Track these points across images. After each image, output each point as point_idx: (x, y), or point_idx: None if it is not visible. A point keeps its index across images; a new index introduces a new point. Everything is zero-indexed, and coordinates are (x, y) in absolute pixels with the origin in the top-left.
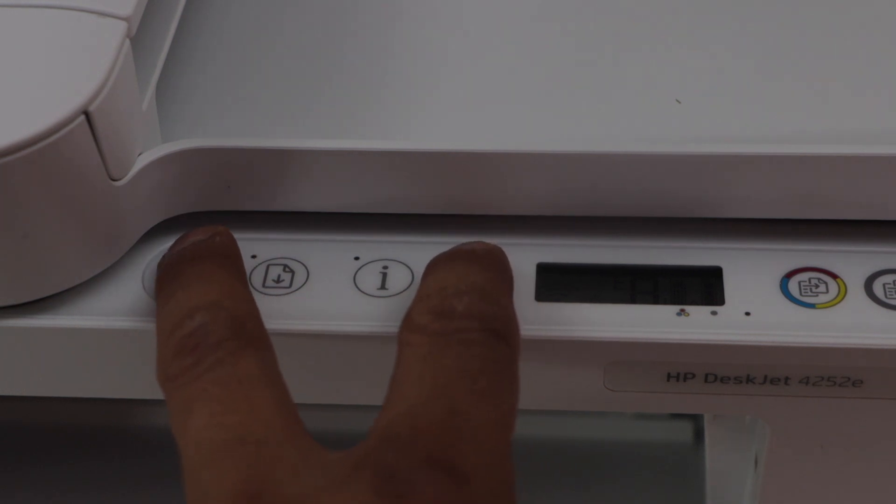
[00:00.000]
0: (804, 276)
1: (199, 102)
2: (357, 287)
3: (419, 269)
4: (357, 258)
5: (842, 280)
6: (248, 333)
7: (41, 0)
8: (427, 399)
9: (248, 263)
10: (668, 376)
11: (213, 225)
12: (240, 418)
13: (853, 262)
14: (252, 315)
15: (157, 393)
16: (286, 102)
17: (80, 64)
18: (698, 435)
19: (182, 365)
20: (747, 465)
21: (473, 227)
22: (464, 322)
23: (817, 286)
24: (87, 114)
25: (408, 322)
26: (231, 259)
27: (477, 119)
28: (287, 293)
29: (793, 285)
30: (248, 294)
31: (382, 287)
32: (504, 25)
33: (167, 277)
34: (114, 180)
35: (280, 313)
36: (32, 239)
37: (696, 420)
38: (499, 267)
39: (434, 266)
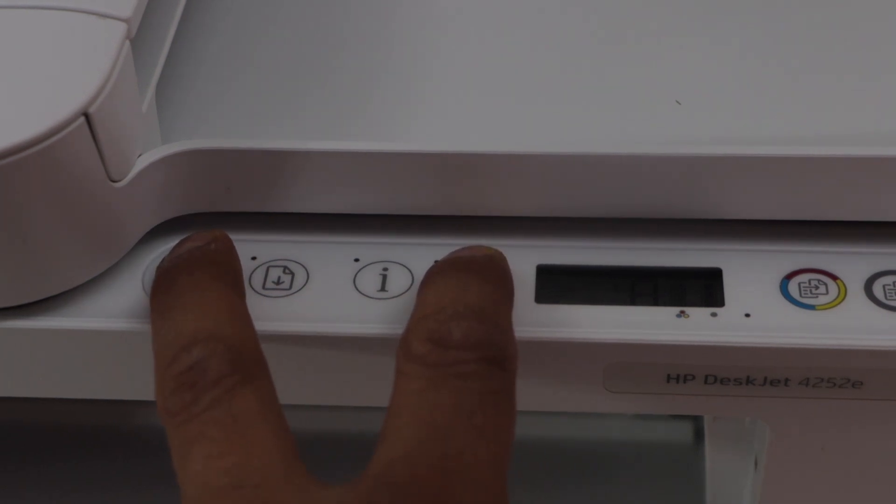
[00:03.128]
0: (804, 278)
1: (199, 103)
2: (357, 289)
3: (419, 271)
4: (357, 260)
5: (842, 281)
6: (246, 364)
7: (41, 1)
8: (423, 440)
9: (248, 265)
10: (668, 378)
11: (210, 230)
12: (237, 461)
13: (853, 263)
14: (248, 340)
15: None
16: (286, 103)
17: (80, 65)
18: (698, 435)
19: (181, 402)
20: (747, 465)
21: (473, 228)
22: (460, 353)
23: (817, 287)
24: (86, 115)
25: (405, 347)
26: (227, 267)
27: (477, 120)
28: (287, 295)
29: (793, 286)
30: (244, 310)
31: (382, 289)
32: (503, 27)
33: (162, 286)
34: (113, 182)
35: (280, 315)
36: (32, 240)
37: (696, 420)
38: (499, 277)
39: (433, 277)
